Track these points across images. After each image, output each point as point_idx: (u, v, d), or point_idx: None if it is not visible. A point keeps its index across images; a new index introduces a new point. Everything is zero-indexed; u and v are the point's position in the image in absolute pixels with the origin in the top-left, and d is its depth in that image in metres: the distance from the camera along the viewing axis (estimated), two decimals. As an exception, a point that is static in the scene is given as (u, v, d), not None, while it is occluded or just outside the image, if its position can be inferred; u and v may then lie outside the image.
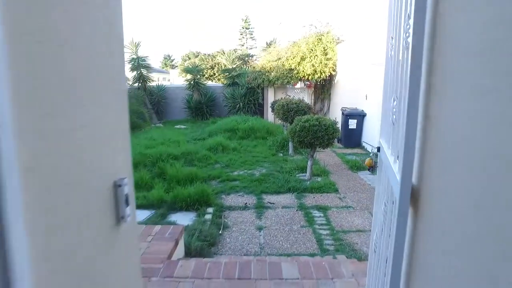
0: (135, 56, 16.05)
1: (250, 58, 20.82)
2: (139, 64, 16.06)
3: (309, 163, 6.70)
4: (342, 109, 10.30)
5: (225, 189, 6.07)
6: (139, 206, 5.20)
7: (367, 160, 2.42)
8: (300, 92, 14.84)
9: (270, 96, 14.16)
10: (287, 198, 5.69)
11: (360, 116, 9.83)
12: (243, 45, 37.15)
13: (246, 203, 5.47)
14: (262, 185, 6.24)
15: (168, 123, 15.41)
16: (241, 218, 4.90)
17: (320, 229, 4.53)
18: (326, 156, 8.62)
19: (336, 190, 6.13)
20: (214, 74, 31.37)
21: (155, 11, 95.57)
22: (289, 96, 13.86)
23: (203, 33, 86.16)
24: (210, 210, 5.07)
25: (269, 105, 12.66)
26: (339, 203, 5.50)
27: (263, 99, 14.71)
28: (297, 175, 6.88)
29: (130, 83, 16.95)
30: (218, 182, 6.53)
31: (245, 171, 7.21)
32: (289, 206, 5.34)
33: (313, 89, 14.39)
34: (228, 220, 4.82)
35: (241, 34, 38.01)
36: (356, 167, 7.62)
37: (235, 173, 7.09)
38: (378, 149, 2.02)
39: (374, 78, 9.14)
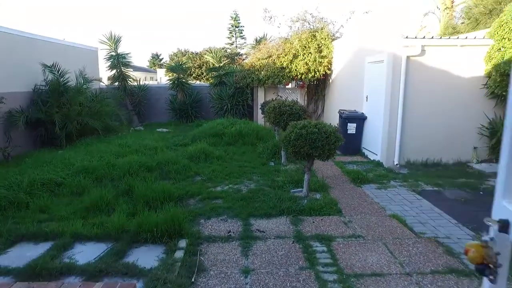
0: (114, 53, 14.78)
1: (239, 56, 19.74)
2: (119, 61, 14.81)
3: (306, 177, 5.65)
4: (340, 112, 9.28)
5: (204, 211, 4.97)
6: (93, 238, 4.08)
7: (474, 251, 0.80)
8: (291, 93, 13.80)
9: (260, 97, 13.08)
10: (281, 224, 4.62)
11: (360, 120, 8.83)
12: (232, 44, 36.03)
13: (230, 231, 4.38)
14: (250, 205, 5.16)
15: (149, 125, 14.21)
16: (222, 255, 3.81)
17: (325, 272, 3.47)
18: (323, 165, 7.58)
19: (339, 211, 5.08)
20: (202, 73, 30.21)
21: (144, 7, 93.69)
22: (281, 97, 12.82)
23: (194, 31, 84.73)
24: (183, 243, 3.96)
25: (259, 106, 11.59)
26: (345, 230, 4.45)
27: (252, 100, 13.63)
28: (291, 191, 5.82)
29: (109, 82, 15.73)
30: (197, 201, 5.43)
31: (230, 185, 6.11)
32: (284, 236, 4.27)
33: (306, 89, 13.36)
34: (205, 258, 3.73)
35: (230, 33, 36.86)
36: (359, 179, 6.59)
37: (218, 188, 5.99)
38: (503, 225, 0.96)
39: (376, 78, 8.14)
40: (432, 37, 7.06)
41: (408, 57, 7.19)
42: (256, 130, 9.77)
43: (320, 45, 11.94)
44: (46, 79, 9.73)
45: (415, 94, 7.39)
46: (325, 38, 11.97)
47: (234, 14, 36.28)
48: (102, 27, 79.68)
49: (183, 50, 37.92)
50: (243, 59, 17.44)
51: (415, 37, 7.05)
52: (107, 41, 14.65)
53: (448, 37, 7.05)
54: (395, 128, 7.53)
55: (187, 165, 6.95)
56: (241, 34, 36.67)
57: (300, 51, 11.91)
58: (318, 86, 13.07)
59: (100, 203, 4.88)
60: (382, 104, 7.75)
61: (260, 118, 12.86)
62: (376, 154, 8.17)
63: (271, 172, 6.91)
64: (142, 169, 6.50)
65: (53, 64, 9.66)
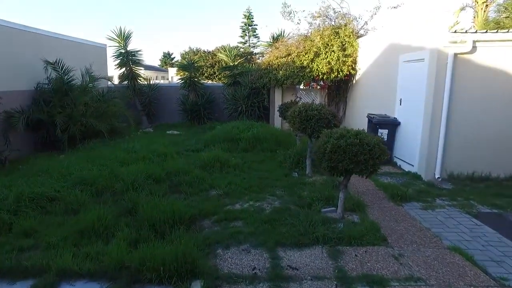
0: (123, 51, 14.07)
1: (253, 56, 18.85)
2: (128, 59, 14.09)
3: (341, 195, 4.75)
4: (369, 116, 8.34)
5: (222, 238, 4.10)
6: (85, 275, 3.26)
7: None
8: (311, 94, 12.90)
9: (278, 98, 12.20)
10: (317, 258, 3.73)
11: (392, 126, 7.87)
12: (245, 43, 35.18)
13: (255, 268, 3.51)
14: (277, 231, 4.28)
15: (159, 127, 13.47)
16: (247, 305, 2.95)
17: (387, 338, 2.58)
18: (353, 177, 6.63)
19: (384, 240, 4.17)
20: (215, 73, 29.49)
21: (155, 6, 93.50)
22: (300, 98, 11.92)
23: (205, 30, 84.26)
24: (197, 286, 3.11)
25: (277, 108, 10.72)
26: (398, 269, 3.54)
27: (269, 102, 12.74)
28: (322, 210, 4.93)
29: (118, 81, 15.06)
30: (213, 223, 4.57)
31: (251, 202, 5.24)
32: (323, 276, 3.38)
33: (326, 90, 12.42)
34: (225, 311, 2.87)
35: (243, 31, 36.03)
36: (398, 196, 5.64)
37: (237, 206, 5.12)
38: None
39: (413, 79, 7.17)
40: (486, 31, 6.08)
41: (455, 55, 6.23)
42: (275, 135, 8.90)
43: (343, 43, 11.00)
44: (49, 77, 9.02)
45: (462, 97, 6.41)
46: (349, 36, 11.02)
47: (248, 12, 35.44)
48: (112, 26, 79.59)
49: (194, 49, 37.30)
50: (258, 58, 16.55)
51: (465, 31, 6.08)
52: (116, 37, 13.96)
53: (507, 30, 6.07)
54: (437, 136, 6.57)
55: (200, 176, 6.11)
56: (255, 33, 35.82)
57: (322, 49, 10.98)
58: (339, 87, 12.11)
59: (97, 226, 4.06)
60: (421, 109, 6.80)
61: (277, 121, 12.00)
62: (412, 165, 7.21)
63: (296, 185, 6.03)
64: (149, 180, 5.68)
65: (56, 61, 8.94)
